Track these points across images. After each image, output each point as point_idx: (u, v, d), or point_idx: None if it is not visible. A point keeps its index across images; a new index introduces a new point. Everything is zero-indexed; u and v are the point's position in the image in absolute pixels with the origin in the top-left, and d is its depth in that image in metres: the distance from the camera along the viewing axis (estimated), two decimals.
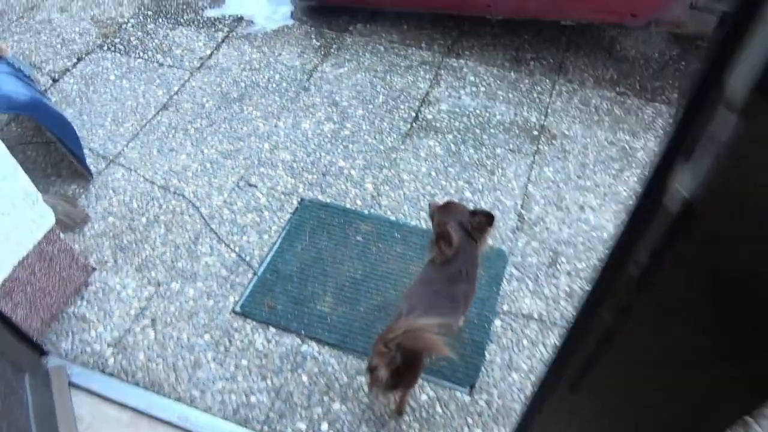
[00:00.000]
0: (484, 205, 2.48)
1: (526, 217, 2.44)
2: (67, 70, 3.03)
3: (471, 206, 2.46)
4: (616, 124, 2.83)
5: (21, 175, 1.84)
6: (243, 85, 3.00)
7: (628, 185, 2.57)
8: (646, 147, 2.73)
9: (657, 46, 3.26)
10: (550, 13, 2.96)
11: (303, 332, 2.08)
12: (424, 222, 2.39)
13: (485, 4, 2.99)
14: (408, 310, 1.72)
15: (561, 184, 2.57)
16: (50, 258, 1.99)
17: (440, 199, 2.44)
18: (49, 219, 1.97)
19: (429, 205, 1.94)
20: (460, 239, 1.74)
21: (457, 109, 2.90)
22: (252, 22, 3.35)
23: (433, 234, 1.84)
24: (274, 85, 3.00)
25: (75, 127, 2.72)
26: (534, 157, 2.68)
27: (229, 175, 2.58)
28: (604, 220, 2.44)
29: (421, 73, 3.09)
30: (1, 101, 2.14)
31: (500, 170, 2.62)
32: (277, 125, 2.80)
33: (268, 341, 2.06)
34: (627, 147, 2.73)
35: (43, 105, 2.25)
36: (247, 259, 2.28)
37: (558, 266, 2.28)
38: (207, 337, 2.06)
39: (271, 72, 3.07)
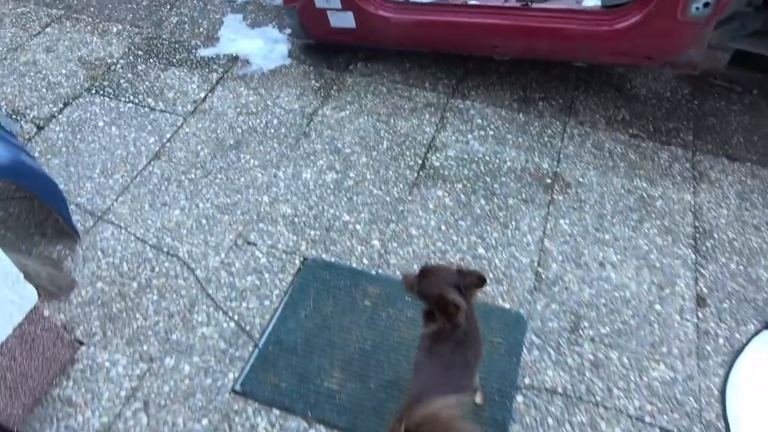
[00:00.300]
0: (498, 263, 2.35)
1: (543, 276, 2.31)
2: (53, 116, 2.88)
3: (485, 264, 2.35)
4: (632, 170, 2.72)
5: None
6: (239, 130, 2.85)
7: (648, 238, 2.44)
8: (665, 195, 2.61)
9: (668, 83, 3.17)
10: (561, 55, 2.86)
11: (310, 414, 1.92)
12: None
13: (492, 45, 2.88)
14: (420, 390, 1.58)
15: (578, 237, 2.44)
16: (32, 339, 1.83)
17: (441, 260, 2.32)
18: (31, 298, 1.81)
19: (403, 277, 1.72)
20: (465, 306, 1.59)
21: (466, 155, 2.77)
22: (248, 61, 3.22)
23: (425, 305, 1.69)
24: (273, 131, 2.86)
25: (61, 180, 2.58)
26: (548, 207, 2.55)
27: (226, 232, 2.43)
28: (625, 277, 2.31)
29: (426, 115, 2.96)
30: None
31: (513, 223, 2.49)
32: (276, 175, 2.66)
33: (272, 425, 1.89)
34: (645, 195, 2.61)
35: (24, 167, 2.09)
36: (247, 328, 2.12)
37: (581, 331, 2.14)
38: (205, 421, 1.89)
39: (269, 116, 2.94)
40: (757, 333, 2.15)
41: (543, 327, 2.16)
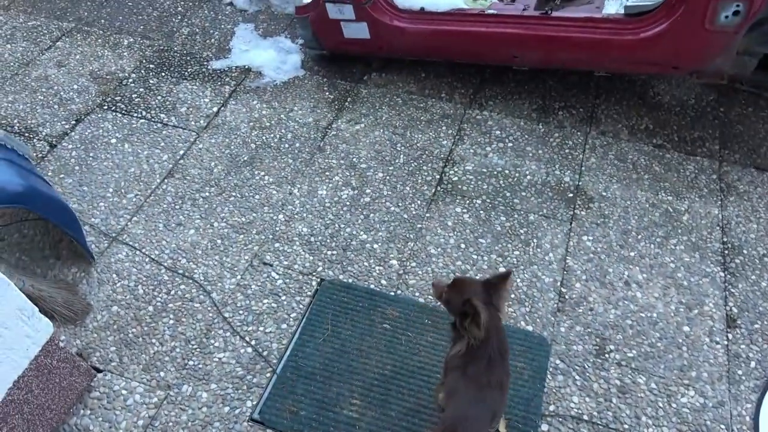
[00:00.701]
0: (520, 283, 2.29)
1: (567, 296, 2.25)
2: (66, 133, 2.86)
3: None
4: (657, 183, 2.64)
5: (13, 292, 1.66)
6: (253, 146, 2.82)
7: (675, 255, 2.37)
8: (691, 209, 2.54)
9: (693, 90, 3.07)
10: (583, 65, 2.78)
11: None
12: None
13: (511, 55, 2.81)
14: (455, 418, 1.54)
15: (602, 255, 2.38)
16: (49, 371, 1.81)
17: (458, 276, 2.26)
18: (46, 330, 1.78)
19: (433, 285, 1.73)
20: (488, 316, 1.54)
21: (485, 169, 2.71)
22: (261, 73, 3.18)
23: (454, 317, 1.65)
24: (287, 146, 2.82)
25: (75, 200, 2.57)
26: (571, 223, 2.49)
27: (242, 252, 2.40)
28: (652, 297, 2.24)
29: (443, 127, 2.91)
30: None
31: (535, 240, 2.43)
32: (291, 192, 2.62)
33: None
34: (670, 209, 2.54)
35: (39, 193, 2.07)
36: (265, 354, 2.09)
37: (607, 355, 2.09)
38: None
39: (283, 130, 2.90)
40: None
41: (567, 350, 2.10)
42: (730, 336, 2.15)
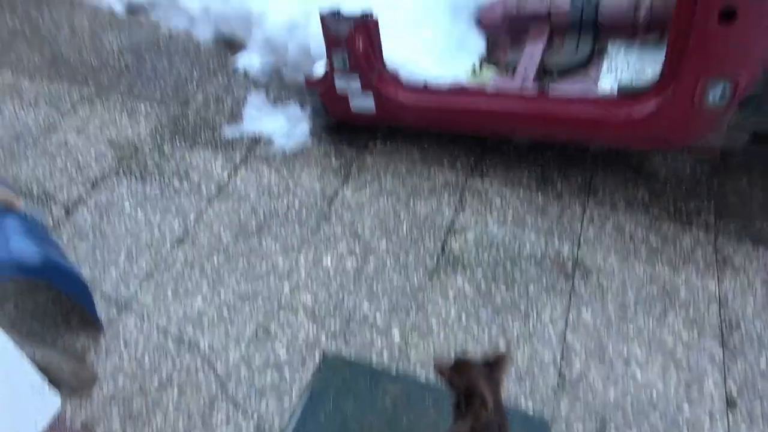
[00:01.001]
0: (519, 358, 2.32)
1: (566, 374, 2.27)
2: (82, 199, 2.97)
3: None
4: (654, 256, 2.70)
5: (26, 367, 1.72)
6: (261, 213, 2.91)
7: (673, 331, 2.41)
8: (688, 282, 2.58)
9: (687, 162, 3.17)
10: (579, 140, 2.89)
11: None
12: None
13: (510, 129, 2.93)
14: None
15: (602, 329, 2.41)
16: None
17: (459, 357, 2.30)
18: (54, 404, 1.82)
19: (435, 362, 1.76)
20: (492, 398, 1.57)
21: (485, 239, 2.78)
22: (271, 140, 3.31)
23: (455, 397, 1.68)
24: (294, 214, 2.91)
25: (88, 266, 2.65)
26: (570, 296, 2.54)
27: (247, 321, 2.45)
28: (652, 375, 2.26)
29: (445, 196, 3.00)
30: (11, 266, 2.05)
31: (535, 313, 2.48)
32: (297, 261, 2.69)
33: None
34: (667, 283, 2.58)
35: (56, 265, 2.15)
36: (267, 430, 2.11)
37: None
38: None
39: (291, 197, 3.00)
40: None
41: (568, 431, 2.11)
42: (730, 416, 2.15)
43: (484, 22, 3.37)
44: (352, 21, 2.80)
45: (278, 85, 3.72)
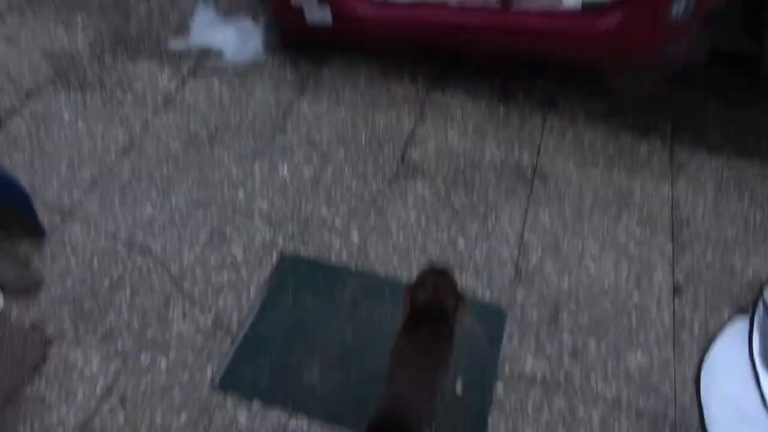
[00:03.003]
0: (478, 255, 2.51)
1: (523, 268, 2.48)
2: (15, 109, 2.95)
3: (465, 257, 2.50)
4: (611, 163, 2.92)
5: None
6: (213, 124, 2.97)
7: (627, 230, 2.64)
8: (644, 186, 2.81)
9: (647, 76, 3.38)
10: (541, 53, 3.04)
11: (290, 406, 2.04)
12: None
13: (472, 43, 3.05)
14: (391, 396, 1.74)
15: (558, 228, 2.62)
16: (0, 343, 1.92)
17: (421, 255, 2.48)
18: None
19: (404, 288, 1.94)
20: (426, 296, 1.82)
21: (445, 149, 2.93)
22: (220, 54, 3.33)
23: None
24: (247, 125, 2.98)
25: (26, 176, 2.66)
26: (528, 200, 2.73)
27: (200, 226, 2.55)
28: (605, 267, 2.49)
29: (405, 109, 3.12)
30: None
31: (494, 215, 2.66)
32: (251, 170, 2.78)
33: (253, 418, 2.01)
34: (623, 187, 2.81)
35: None
36: (225, 323, 2.24)
37: (560, 322, 2.32)
38: (184, 416, 2.01)
39: (244, 109, 3.06)
40: (730, 320, 2.35)
41: (522, 318, 2.32)
42: (676, 303, 2.41)
43: None
44: None
45: None
